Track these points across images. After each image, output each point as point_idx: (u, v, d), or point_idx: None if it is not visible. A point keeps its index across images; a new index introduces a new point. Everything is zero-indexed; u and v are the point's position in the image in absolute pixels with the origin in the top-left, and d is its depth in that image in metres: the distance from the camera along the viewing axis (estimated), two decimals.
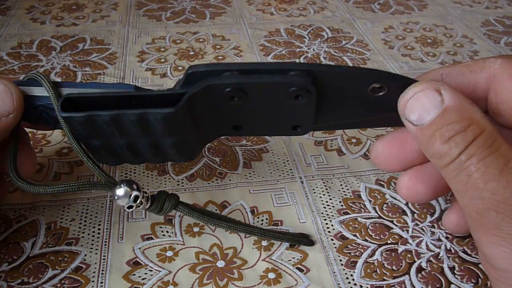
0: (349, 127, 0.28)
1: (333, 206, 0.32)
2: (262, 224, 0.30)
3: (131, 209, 0.26)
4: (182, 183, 0.33)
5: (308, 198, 0.32)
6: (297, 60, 0.48)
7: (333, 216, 0.31)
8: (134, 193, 0.25)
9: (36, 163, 0.29)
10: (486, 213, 0.19)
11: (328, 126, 0.27)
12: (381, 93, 0.23)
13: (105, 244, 0.29)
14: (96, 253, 0.28)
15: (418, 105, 0.21)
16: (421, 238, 0.30)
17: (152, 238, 0.29)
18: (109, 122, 0.23)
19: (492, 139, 0.20)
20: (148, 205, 0.26)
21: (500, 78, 0.22)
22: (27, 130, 0.29)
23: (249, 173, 0.34)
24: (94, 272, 0.27)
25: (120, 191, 0.25)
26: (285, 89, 0.23)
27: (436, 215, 0.31)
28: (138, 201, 0.25)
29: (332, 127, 0.29)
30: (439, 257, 0.29)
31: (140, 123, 0.24)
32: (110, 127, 0.24)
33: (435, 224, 0.31)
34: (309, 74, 0.22)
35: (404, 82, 0.22)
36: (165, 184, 0.33)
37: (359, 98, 0.24)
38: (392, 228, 0.31)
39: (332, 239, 0.30)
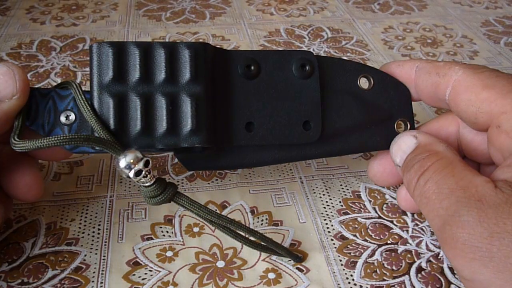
0: (354, 149, 0.28)
1: (333, 206, 0.32)
2: (262, 224, 0.30)
3: (136, 178, 0.23)
4: (182, 183, 0.33)
5: (308, 198, 0.32)
6: None
7: (333, 216, 0.31)
8: (144, 159, 0.23)
9: (42, 181, 0.28)
10: (444, 228, 0.21)
11: (335, 142, 0.28)
12: (368, 87, 0.28)
13: (105, 244, 0.29)
14: (96, 253, 0.28)
15: (399, 150, 0.26)
16: (421, 238, 0.30)
17: (152, 238, 0.29)
18: (141, 54, 0.23)
19: (447, 163, 0.22)
20: (150, 183, 0.24)
21: (457, 90, 0.24)
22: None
23: (249, 173, 0.34)
24: (94, 272, 0.27)
25: (130, 156, 0.22)
26: (293, 58, 0.26)
27: None
28: (142, 174, 0.23)
29: (340, 144, 0.28)
30: (439, 257, 0.29)
31: (170, 56, 0.24)
32: (140, 61, 0.23)
33: None
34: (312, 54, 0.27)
35: (385, 76, 0.28)
36: None
37: (353, 93, 0.27)
38: (392, 228, 0.31)
39: (332, 239, 0.30)
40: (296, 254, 0.28)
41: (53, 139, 0.22)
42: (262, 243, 0.27)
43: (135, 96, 0.24)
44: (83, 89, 0.25)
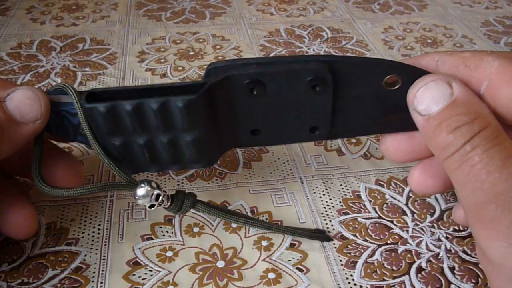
0: (365, 133, 0.28)
1: (333, 206, 0.32)
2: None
3: (152, 208, 0.26)
4: (182, 183, 0.33)
5: (308, 198, 0.32)
6: None
7: (333, 216, 0.31)
8: (156, 191, 0.25)
9: (81, 173, 0.29)
10: (485, 205, 0.19)
11: (345, 132, 0.27)
12: (395, 87, 0.24)
13: (105, 244, 0.29)
14: (96, 253, 0.28)
15: (427, 96, 0.21)
16: (421, 238, 0.30)
17: (152, 238, 0.29)
18: (132, 111, 0.23)
19: (497, 133, 0.20)
20: (168, 204, 0.26)
21: (497, 85, 0.22)
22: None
23: (249, 173, 0.34)
24: (94, 272, 0.27)
25: (141, 191, 0.25)
26: (303, 77, 0.23)
27: (436, 215, 0.31)
28: (159, 200, 0.26)
29: (350, 133, 0.28)
30: (439, 257, 0.29)
31: (161, 111, 0.23)
32: (132, 118, 0.24)
33: (435, 224, 0.31)
34: (326, 64, 0.23)
35: (418, 74, 0.23)
36: (165, 184, 0.33)
37: (375, 95, 0.24)
38: (392, 228, 0.31)
39: (332, 239, 0.30)
40: (321, 235, 0.30)
41: (84, 188, 0.25)
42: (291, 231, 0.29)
43: (136, 139, 0.25)
44: (83, 88, 0.25)
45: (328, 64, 0.23)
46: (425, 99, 0.22)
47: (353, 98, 0.25)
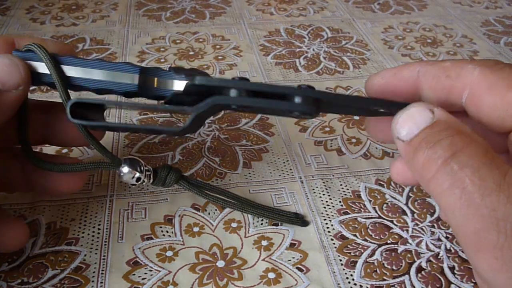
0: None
1: (333, 206, 0.32)
2: (262, 223, 0.30)
3: (138, 183, 0.27)
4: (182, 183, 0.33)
5: (308, 198, 0.32)
6: (297, 61, 0.48)
7: (333, 216, 0.31)
8: (139, 168, 0.27)
9: (85, 177, 0.30)
10: (485, 233, 0.17)
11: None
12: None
13: (105, 244, 0.29)
14: (96, 253, 0.28)
15: (409, 121, 0.21)
16: (421, 238, 0.30)
17: (152, 238, 0.29)
18: (119, 129, 0.25)
19: (485, 150, 0.19)
20: (152, 180, 0.27)
21: (477, 93, 0.21)
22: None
23: (249, 173, 0.34)
24: (94, 272, 0.27)
25: (125, 169, 0.26)
26: (289, 113, 0.24)
27: (436, 215, 0.31)
28: (143, 176, 0.27)
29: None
30: (439, 257, 0.29)
31: (147, 133, 0.25)
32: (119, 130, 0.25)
33: (435, 224, 0.31)
34: (313, 103, 0.23)
35: (402, 106, 0.22)
36: None
37: (359, 109, 0.25)
38: (392, 228, 0.31)
39: (332, 239, 0.30)
40: (297, 219, 0.30)
41: (70, 166, 0.26)
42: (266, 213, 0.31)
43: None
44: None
45: (314, 100, 0.23)
46: (407, 124, 0.21)
47: (338, 110, 0.26)
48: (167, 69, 0.26)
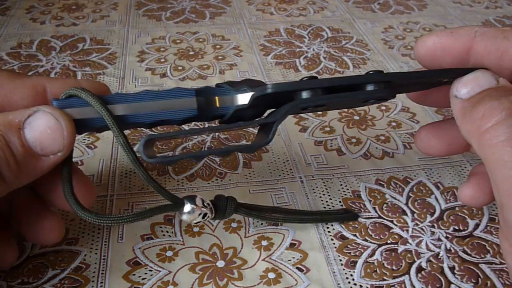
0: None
1: (333, 206, 0.32)
2: (262, 223, 0.30)
3: (204, 219, 0.25)
4: (182, 183, 0.33)
5: (308, 198, 0.32)
6: (297, 60, 0.48)
7: None
8: (203, 210, 0.25)
9: (94, 192, 0.27)
10: None
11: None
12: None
13: (105, 244, 0.29)
14: (96, 253, 0.28)
15: (473, 82, 0.21)
16: (421, 238, 0.30)
17: (152, 238, 0.29)
18: (194, 158, 0.24)
19: None
20: (213, 215, 0.26)
21: (477, 40, 0.22)
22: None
23: (249, 173, 0.34)
24: (94, 272, 0.27)
25: (188, 207, 0.25)
26: (365, 101, 0.24)
27: (436, 215, 0.31)
28: (206, 217, 0.25)
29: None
30: (439, 257, 0.29)
31: (223, 155, 0.24)
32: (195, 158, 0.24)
33: (435, 224, 0.31)
34: (386, 85, 0.23)
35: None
36: (165, 184, 0.33)
37: (427, 84, 0.25)
38: (392, 228, 0.31)
39: (332, 239, 0.30)
40: (352, 213, 0.31)
41: (131, 216, 0.23)
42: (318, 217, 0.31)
43: None
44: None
45: (386, 83, 0.23)
46: (469, 84, 0.21)
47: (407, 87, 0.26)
48: (217, 86, 0.25)
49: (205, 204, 0.25)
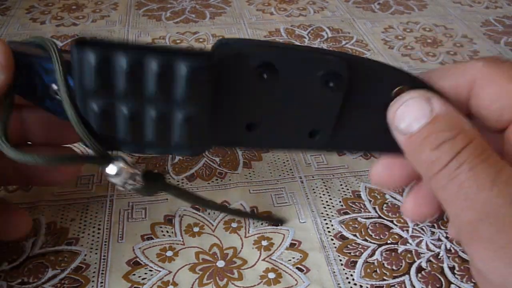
0: (364, 149, 0.26)
1: (333, 206, 0.32)
2: (261, 224, 0.30)
3: (123, 188, 0.24)
4: (182, 183, 0.33)
5: (308, 198, 0.32)
6: None
7: (333, 216, 0.31)
8: (130, 171, 0.23)
9: (29, 220, 0.28)
10: (478, 225, 0.19)
11: (344, 143, 0.26)
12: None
13: (105, 244, 0.29)
14: (96, 253, 0.28)
15: (407, 114, 0.21)
16: (421, 238, 0.30)
17: (152, 238, 0.29)
18: (128, 68, 0.20)
19: (482, 148, 0.20)
20: (140, 186, 0.24)
21: (480, 84, 0.22)
22: None
23: (249, 173, 0.34)
24: (94, 272, 0.27)
25: (113, 168, 0.23)
26: (318, 69, 0.22)
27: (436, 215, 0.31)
28: (133, 180, 0.23)
29: (348, 145, 0.27)
30: (439, 257, 0.29)
31: (162, 74, 0.21)
32: (126, 76, 0.21)
33: (435, 224, 0.31)
34: (344, 60, 0.22)
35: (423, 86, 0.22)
36: None
37: (381, 105, 0.23)
38: (392, 228, 0.31)
39: (332, 239, 0.30)
40: (278, 218, 0.31)
41: (53, 157, 0.22)
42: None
43: (121, 107, 0.22)
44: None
45: (346, 61, 0.22)
46: (405, 117, 0.21)
47: (360, 105, 0.24)
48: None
49: (133, 170, 0.23)
